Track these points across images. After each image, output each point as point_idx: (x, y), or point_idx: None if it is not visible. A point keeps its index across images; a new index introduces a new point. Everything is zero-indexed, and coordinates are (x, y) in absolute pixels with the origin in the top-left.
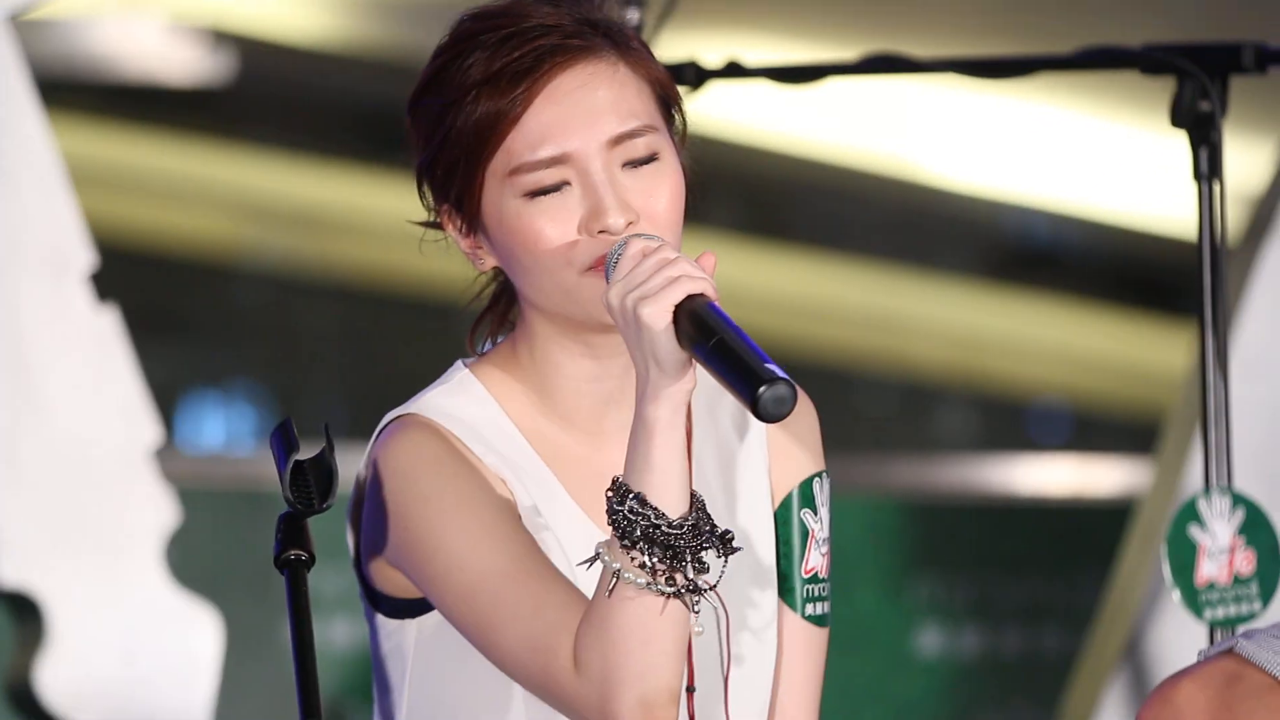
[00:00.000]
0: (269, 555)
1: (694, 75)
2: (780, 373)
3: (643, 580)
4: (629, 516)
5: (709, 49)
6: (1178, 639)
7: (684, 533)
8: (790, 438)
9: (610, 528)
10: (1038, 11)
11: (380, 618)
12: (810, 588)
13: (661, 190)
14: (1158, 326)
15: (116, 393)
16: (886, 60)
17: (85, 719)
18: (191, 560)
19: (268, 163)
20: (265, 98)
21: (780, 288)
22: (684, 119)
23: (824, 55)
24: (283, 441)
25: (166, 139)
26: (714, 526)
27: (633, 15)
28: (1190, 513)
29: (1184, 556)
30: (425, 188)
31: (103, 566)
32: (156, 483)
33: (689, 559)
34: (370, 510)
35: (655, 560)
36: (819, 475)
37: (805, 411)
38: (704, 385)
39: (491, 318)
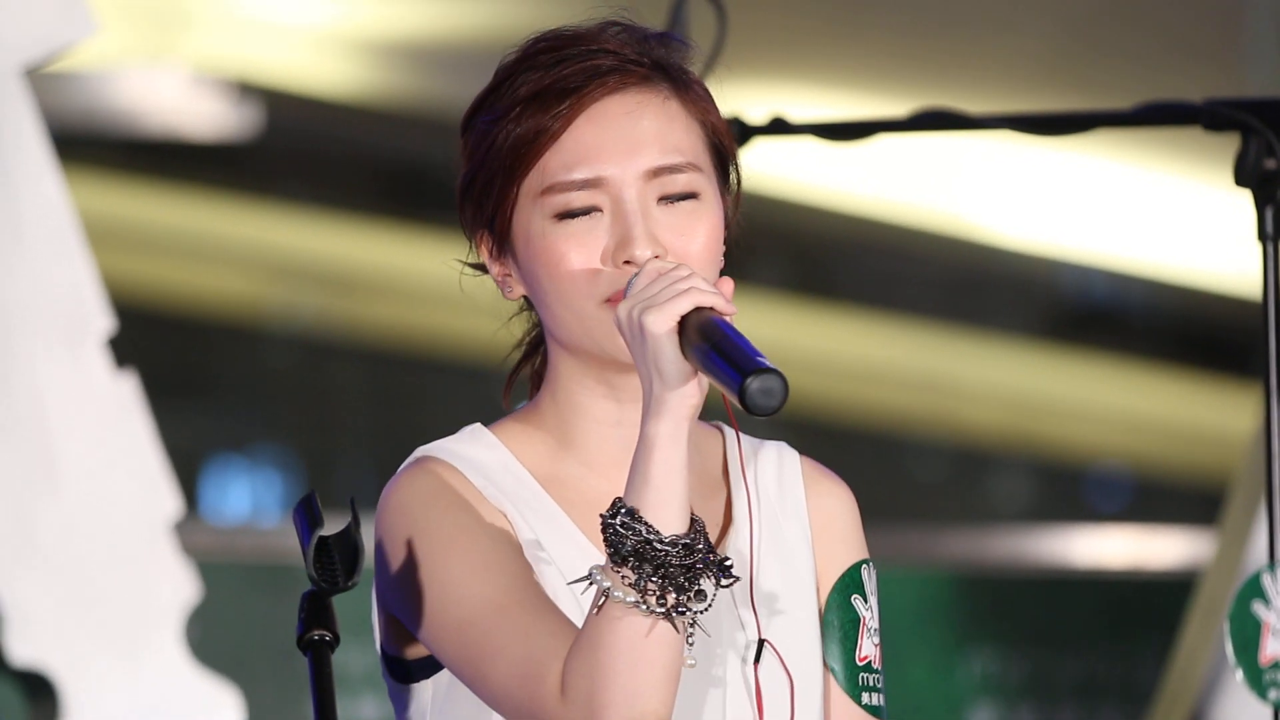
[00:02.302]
0: (293, 631)
1: (738, 132)
2: (771, 365)
3: (630, 598)
4: (619, 530)
5: (753, 103)
6: (1242, 717)
7: (677, 551)
8: (833, 518)
9: (603, 544)
10: (1095, 64)
11: (396, 685)
12: (865, 676)
13: (697, 231)
14: (1223, 388)
15: (135, 464)
16: (938, 116)
17: None
18: (213, 637)
19: (295, 219)
20: (292, 152)
21: (829, 348)
22: (739, 173)
23: (872, 108)
24: (306, 516)
25: (190, 195)
26: (711, 550)
27: None
28: (1254, 588)
29: (1248, 634)
30: (465, 210)
31: (120, 644)
32: (176, 557)
33: (681, 579)
34: (377, 557)
35: (645, 578)
36: (866, 563)
37: (847, 499)
38: (749, 441)
39: (527, 371)
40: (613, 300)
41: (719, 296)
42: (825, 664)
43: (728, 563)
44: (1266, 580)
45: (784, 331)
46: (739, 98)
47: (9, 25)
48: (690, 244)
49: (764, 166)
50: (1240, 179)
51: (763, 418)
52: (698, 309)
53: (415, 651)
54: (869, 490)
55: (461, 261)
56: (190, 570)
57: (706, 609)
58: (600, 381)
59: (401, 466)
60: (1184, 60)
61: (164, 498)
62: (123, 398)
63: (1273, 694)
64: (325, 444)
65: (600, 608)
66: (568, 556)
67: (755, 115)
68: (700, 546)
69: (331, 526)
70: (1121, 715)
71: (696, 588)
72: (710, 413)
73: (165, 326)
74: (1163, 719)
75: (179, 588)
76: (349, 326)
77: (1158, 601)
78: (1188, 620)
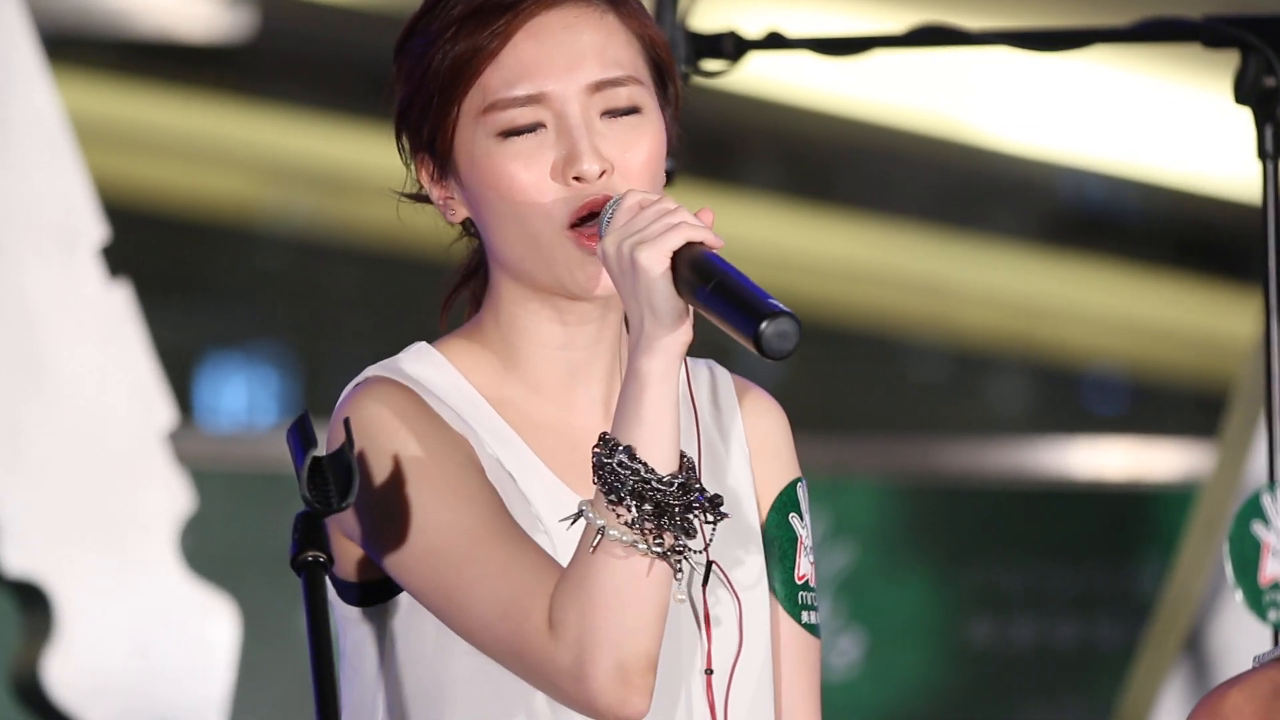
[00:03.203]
0: (287, 541)
1: (733, 45)
2: (783, 307)
3: (630, 538)
4: (618, 470)
5: (750, 16)
6: (1241, 634)
7: (674, 490)
8: (768, 436)
9: (596, 482)
10: None
11: (346, 609)
12: (804, 595)
13: (640, 144)
14: (1220, 292)
15: (129, 373)
16: (935, 31)
17: (96, 713)
18: (207, 546)
19: (289, 122)
20: (286, 53)
21: (825, 251)
22: (677, 86)
23: (870, 16)
24: (300, 437)
25: (184, 96)
26: (703, 488)
27: None
28: (1254, 508)
29: (1247, 554)
30: (403, 135)
31: (114, 554)
32: (170, 466)
33: (678, 519)
34: None
35: (644, 518)
36: (800, 480)
37: (780, 416)
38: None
39: (465, 292)
40: (578, 230)
41: (708, 230)
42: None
43: (719, 500)
44: (1266, 500)
45: (780, 234)
46: (734, 9)
47: None
48: (635, 157)
49: (760, 70)
50: (1240, 96)
51: (776, 359)
52: (689, 244)
53: (369, 575)
54: (865, 392)
55: (399, 193)
56: (184, 479)
57: (703, 550)
58: (546, 305)
59: (350, 385)
60: None
61: (158, 407)
62: (115, 307)
63: (1272, 614)
64: (320, 343)
65: (596, 546)
66: (527, 481)
67: (751, 29)
68: (695, 485)
69: (324, 448)
70: (1119, 629)
71: (691, 527)
72: None
73: (160, 227)
74: (1161, 633)
75: (173, 497)
76: (343, 227)
77: (1157, 514)
78: (1187, 534)
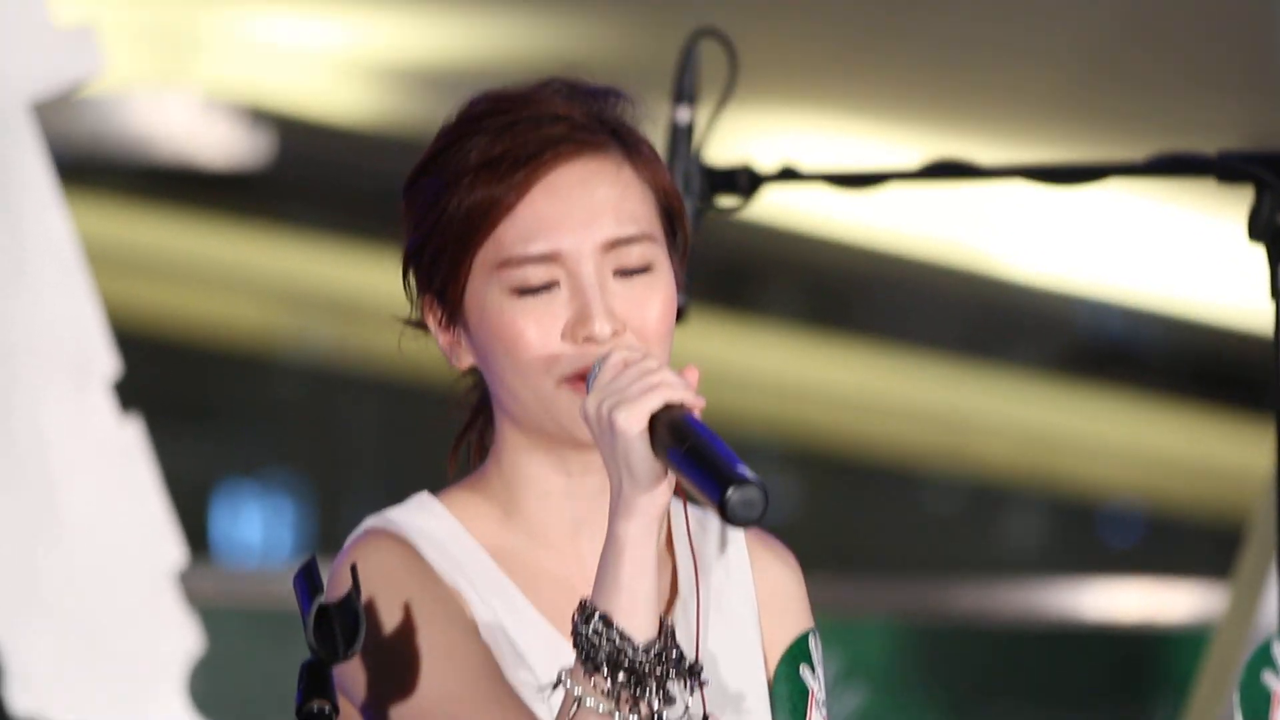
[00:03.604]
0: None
1: (747, 180)
2: (752, 476)
3: (606, 707)
4: (592, 639)
5: (766, 137)
6: None
7: (650, 659)
8: (778, 588)
9: (574, 650)
10: (1114, 94)
11: None
12: None
13: (653, 302)
14: (1238, 424)
15: (140, 513)
16: (949, 166)
17: None
18: (220, 687)
19: (307, 247)
20: (304, 179)
21: (841, 381)
22: (686, 236)
23: (888, 139)
24: (307, 584)
25: (202, 222)
26: (682, 656)
27: (684, 114)
28: (1265, 657)
29: (1257, 705)
30: (410, 275)
31: (123, 696)
32: (181, 606)
33: (655, 688)
34: None
35: (619, 687)
36: (812, 632)
37: (792, 567)
38: (694, 509)
39: (470, 439)
40: (572, 381)
41: (688, 390)
42: None
43: (699, 668)
44: (1277, 649)
45: (797, 364)
46: (751, 131)
47: (16, 59)
48: (647, 316)
49: (778, 200)
50: (1254, 234)
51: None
52: (668, 405)
53: None
54: (880, 524)
55: (403, 320)
56: (195, 619)
57: (682, 718)
58: (550, 454)
59: (351, 537)
60: (1205, 90)
61: (169, 545)
62: (128, 442)
63: None
64: (336, 472)
65: (573, 716)
66: (524, 636)
67: (765, 163)
68: (673, 653)
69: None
70: None
71: (670, 695)
72: None
73: (178, 354)
74: None
75: (183, 638)
76: (361, 356)
77: (1169, 656)
78: (1198, 680)
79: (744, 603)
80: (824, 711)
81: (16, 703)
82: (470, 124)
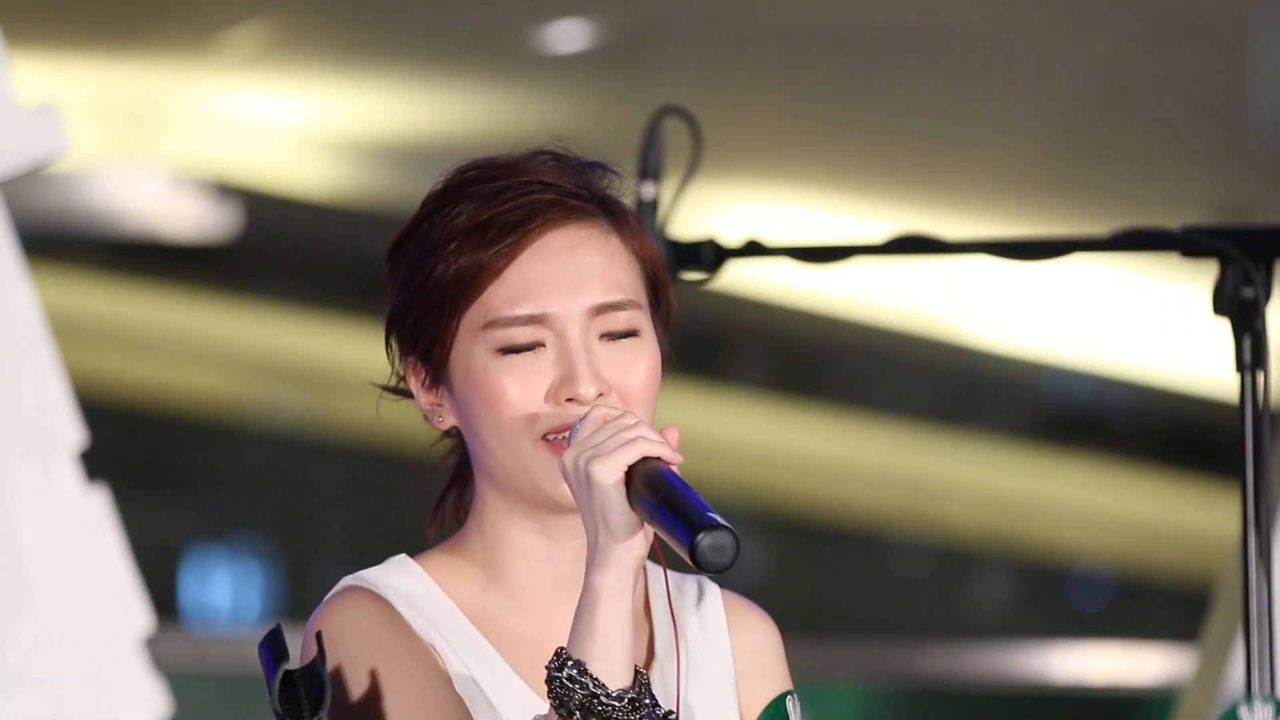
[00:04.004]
0: None
1: (713, 254)
2: (723, 522)
3: None
4: (567, 685)
5: (732, 211)
6: None
7: (623, 706)
8: (756, 653)
9: (549, 696)
10: (1086, 162)
11: None
12: None
13: (637, 366)
14: (1205, 490)
15: (106, 581)
16: (914, 240)
17: None
18: None
19: (273, 319)
20: (270, 251)
21: (811, 448)
22: (669, 306)
23: (855, 208)
24: (272, 650)
25: (169, 294)
26: (655, 704)
27: (649, 190)
28: None
29: None
30: (393, 338)
31: None
32: (147, 674)
33: None
34: None
35: None
36: (791, 694)
37: (771, 631)
38: (674, 576)
39: (451, 500)
40: (550, 440)
41: (666, 445)
42: None
43: (671, 715)
44: (1243, 714)
45: (767, 431)
46: (716, 205)
47: None
48: (631, 380)
49: (746, 270)
50: (1218, 307)
51: (712, 574)
52: (645, 459)
53: None
54: (850, 589)
55: (381, 387)
56: (161, 685)
57: None
58: (530, 518)
59: (328, 595)
60: (1177, 160)
61: (135, 612)
62: (94, 511)
63: None
64: (304, 536)
65: None
66: (499, 693)
67: (730, 237)
68: (646, 701)
69: (297, 661)
70: None
71: None
72: None
73: (147, 423)
74: None
75: (151, 703)
76: (329, 423)
77: (1138, 719)
78: None
79: (721, 667)
80: None
81: None
82: (458, 190)
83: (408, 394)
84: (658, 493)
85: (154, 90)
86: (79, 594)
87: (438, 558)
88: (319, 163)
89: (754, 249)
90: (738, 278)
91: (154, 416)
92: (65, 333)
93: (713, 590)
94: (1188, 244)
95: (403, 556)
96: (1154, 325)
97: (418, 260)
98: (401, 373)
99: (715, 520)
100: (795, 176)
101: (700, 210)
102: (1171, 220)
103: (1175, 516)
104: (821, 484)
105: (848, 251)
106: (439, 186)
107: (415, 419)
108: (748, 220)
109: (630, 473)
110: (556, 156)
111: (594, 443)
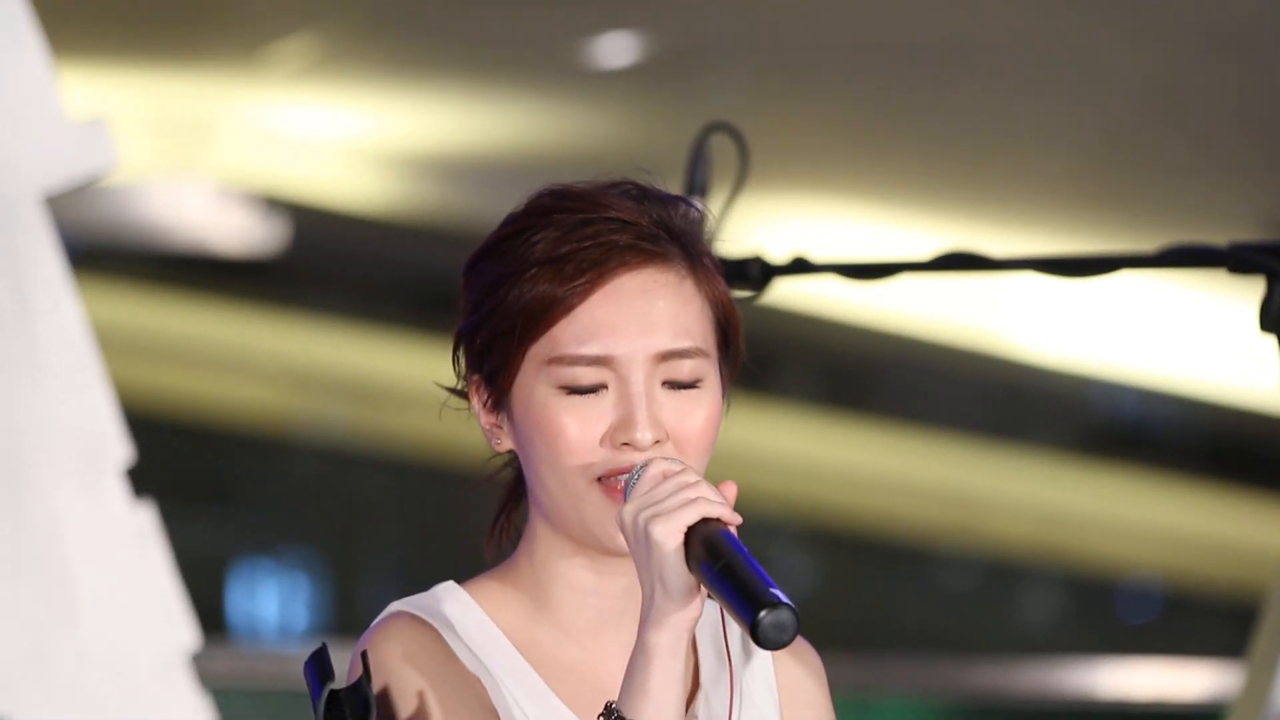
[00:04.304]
0: None
1: (759, 271)
2: (785, 599)
3: None
4: None
5: (780, 226)
6: None
7: None
8: (801, 685)
9: None
10: (1131, 177)
11: None
12: None
13: (697, 416)
14: (1254, 503)
15: (153, 597)
16: (961, 258)
17: None
18: None
19: (321, 332)
20: (318, 265)
21: (859, 462)
22: (739, 352)
23: (902, 223)
24: (317, 670)
25: (218, 308)
26: None
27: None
28: None
29: None
30: (460, 353)
31: None
32: (193, 689)
33: None
34: None
35: None
36: None
37: (815, 664)
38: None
39: (503, 521)
40: (603, 482)
41: (725, 507)
42: None
43: None
44: None
45: (815, 445)
46: (763, 220)
47: (28, 152)
48: (690, 428)
49: (795, 284)
50: (1265, 324)
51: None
52: (704, 519)
53: None
54: (898, 603)
55: (447, 388)
56: (208, 701)
57: None
58: (579, 552)
59: (375, 621)
60: (1225, 174)
61: (182, 628)
62: (141, 525)
63: None
64: (352, 549)
65: None
66: (543, 719)
67: (777, 253)
68: None
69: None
70: None
71: None
72: None
73: (195, 437)
74: None
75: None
76: (376, 436)
77: None
78: None
79: (766, 696)
80: None
81: None
82: (538, 216)
83: (465, 394)
84: (718, 560)
85: (203, 104)
86: (125, 610)
87: (486, 585)
88: (367, 176)
89: (801, 266)
90: (785, 292)
91: (202, 430)
92: (114, 346)
93: None
94: (1235, 261)
95: (451, 583)
96: (1201, 339)
97: (493, 282)
98: (467, 388)
99: (777, 597)
100: (842, 191)
101: (747, 225)
102: (1218, 234)
103: (1222, 530)
104: (869, 498)
105: (894, 268)
106: (519, 209)
107: (464, 433)
108: (795, 234)
109: (690, 533)
110: (639, 189)
111: (653, 499)
